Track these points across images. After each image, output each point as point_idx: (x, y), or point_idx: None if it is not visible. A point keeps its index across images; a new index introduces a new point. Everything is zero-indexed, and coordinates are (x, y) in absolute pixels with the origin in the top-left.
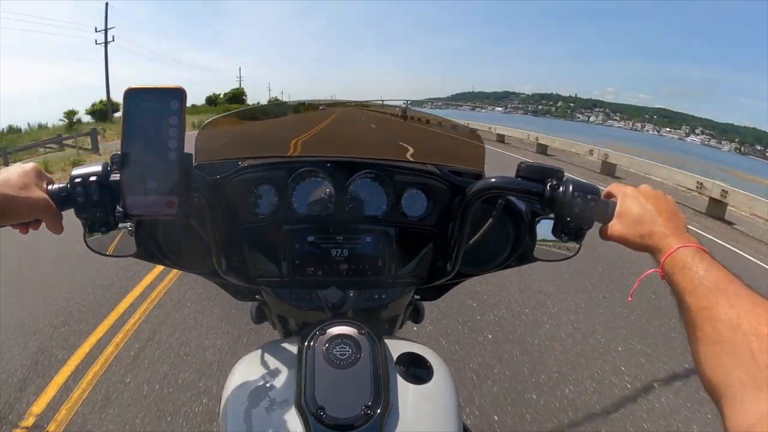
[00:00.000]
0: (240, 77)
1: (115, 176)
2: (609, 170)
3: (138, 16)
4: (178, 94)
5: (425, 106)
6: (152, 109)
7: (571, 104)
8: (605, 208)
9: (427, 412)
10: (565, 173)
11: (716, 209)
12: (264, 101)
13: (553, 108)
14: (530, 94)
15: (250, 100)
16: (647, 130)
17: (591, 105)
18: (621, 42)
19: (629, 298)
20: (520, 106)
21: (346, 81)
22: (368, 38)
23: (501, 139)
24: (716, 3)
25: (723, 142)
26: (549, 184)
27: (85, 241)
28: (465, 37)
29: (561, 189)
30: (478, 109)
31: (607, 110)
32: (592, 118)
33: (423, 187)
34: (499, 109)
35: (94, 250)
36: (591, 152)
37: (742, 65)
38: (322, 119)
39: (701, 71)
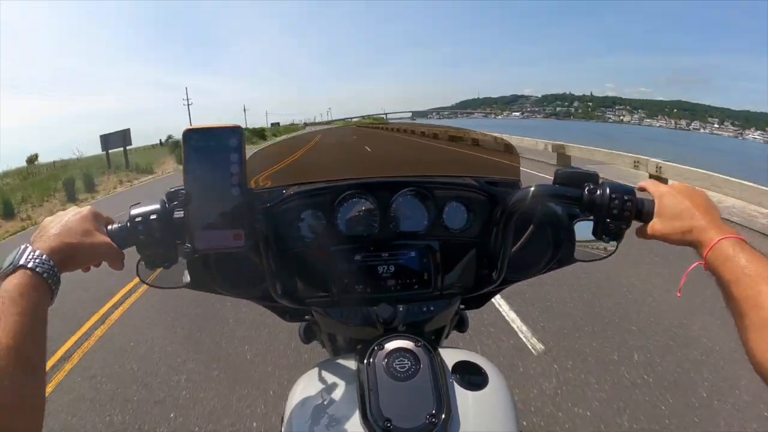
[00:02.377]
0: (187, 99)
1: (179, 213)
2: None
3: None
4: (237, 132)
5: (430, 117)
6: (212, 147)
7: (589, 103)
8: (642, 208)
9: (487, 417)
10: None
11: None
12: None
13: (572, 109)
14: (541, 95)
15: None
16: (695, 128)
17: (610, 103)
18: (611, 37)
19: (678, 294)
20: (535, 108)
21: (343, 97)
22: (362, 54)
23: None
24: None
25: None
26: (587, 189)
27: (138, 276)
28: (461, 44)
29: (599, 192)
30: (492, 116)
31: (628, 107)
32: (626, 118)
33: (463, 199)
34: (516, 114)
35: (148, 284)
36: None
37: (736, 48)
38: (357, 140)
39: (692, 58)
